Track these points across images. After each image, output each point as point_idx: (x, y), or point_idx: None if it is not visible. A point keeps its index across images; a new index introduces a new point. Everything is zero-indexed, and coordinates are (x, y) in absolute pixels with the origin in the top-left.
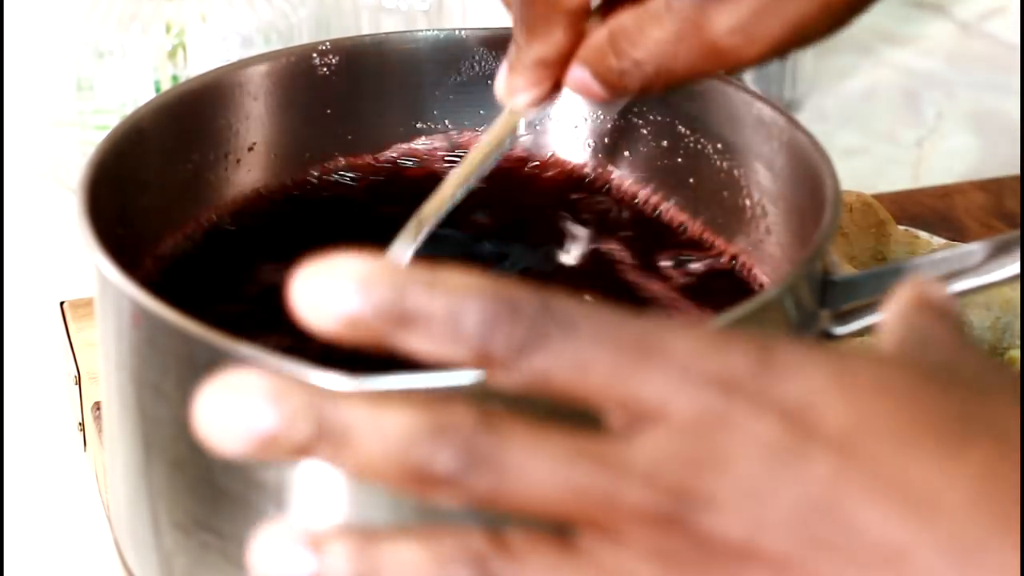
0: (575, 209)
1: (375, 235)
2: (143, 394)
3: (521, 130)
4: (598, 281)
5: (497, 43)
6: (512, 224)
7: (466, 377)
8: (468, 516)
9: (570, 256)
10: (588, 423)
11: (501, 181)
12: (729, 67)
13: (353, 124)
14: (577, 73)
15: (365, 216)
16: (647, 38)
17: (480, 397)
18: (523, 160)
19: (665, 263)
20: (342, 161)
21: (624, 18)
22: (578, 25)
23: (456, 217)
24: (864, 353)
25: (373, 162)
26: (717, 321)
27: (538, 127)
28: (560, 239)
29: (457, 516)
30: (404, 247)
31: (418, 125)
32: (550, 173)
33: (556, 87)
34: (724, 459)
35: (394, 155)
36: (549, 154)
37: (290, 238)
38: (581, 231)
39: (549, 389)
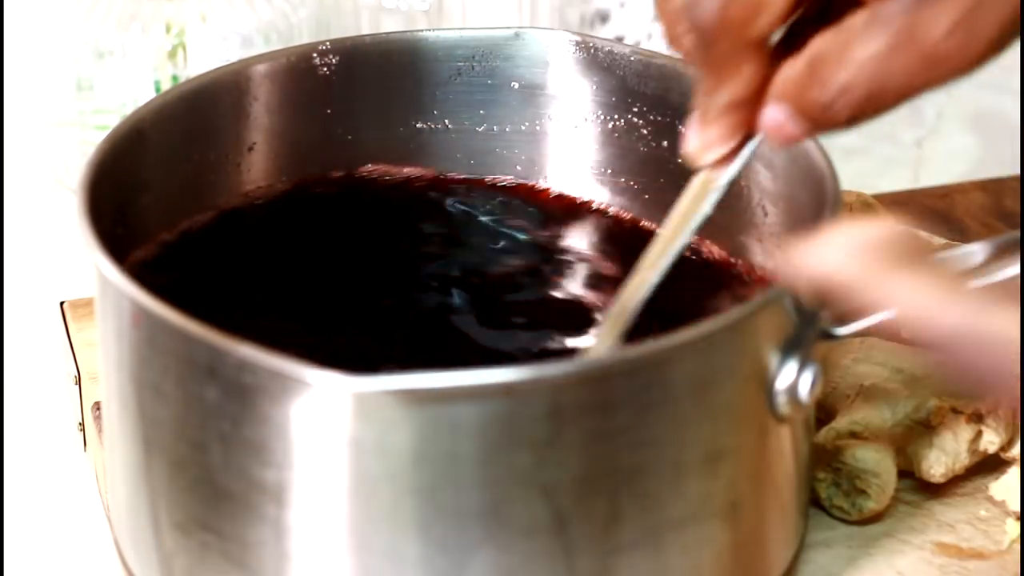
0: (574, 208)
1: (375, 234)
2: (143, 394)
3: (720, 192)
4: (597, 280)
5: (497, 43)
6: (511, 224)
7: (464, 377)
8: (468, 516)
9: (569, 254)
10: None
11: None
12: (948, 76)
13: (353, 124)
14: (772, 114)
15: (365, 216)
16: (855, 57)
17: (480, 396)
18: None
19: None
20: (342, 161)
21: (823, 41)
22: (767, 55)
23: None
24: None
25: (373, 162)
26: (717, 321)
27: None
28: (559, 235)
29: (454, 516)
30: (609, 338)
31: (418, 125)
32: (550, 172)
33: (750, 134)
34: None
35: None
36: (548, 154)
37: (290, 238)
38: (580, 230)
39: None
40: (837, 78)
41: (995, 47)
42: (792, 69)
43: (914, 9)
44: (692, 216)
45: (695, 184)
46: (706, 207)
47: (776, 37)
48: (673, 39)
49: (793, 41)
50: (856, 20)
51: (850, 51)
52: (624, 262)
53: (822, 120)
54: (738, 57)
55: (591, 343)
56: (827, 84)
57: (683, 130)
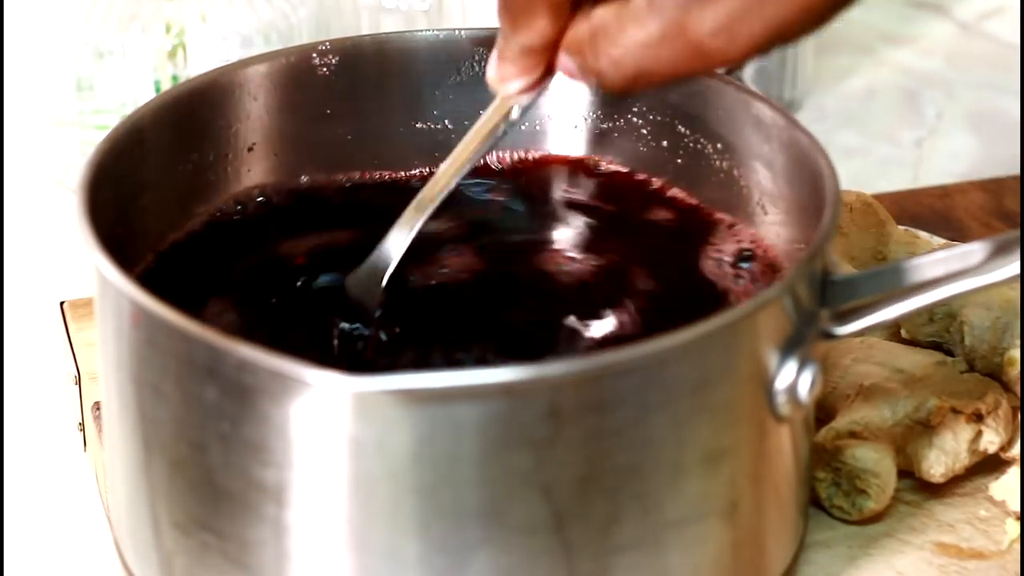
0: (574, 207)
1: (375, 234)
2: (143, 394)
3: (515, 116)
4: (596, 279)
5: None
6: (512, 223)
7: (464, 377)
8: (467, 516)
9: (569, 252)
10: None
11: (502, 179)
12: (711, 67)
13: (353, 124)
14: (564, 61)
15: (365, 216)
16: (627, 38)
17: (480, 396)
18: (523, 160)
19: (665, 263)
20: (341, 161)
21: (606, 14)
22: (561, 13)
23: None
24: None
25: (374, 162)
26: (717, 321)
27: (529, 114)
28: (559, 236)
29: (454, 516)
30: (402, 233)
31: (418, 125)
32: (549, 172)
33: (547, 73)
34: None
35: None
36: (548, 154)
37: (290, 238)
38: (580, 229)
39: None
40: (610, 52)
41: (756, 50)
42: (578, 30)
43: (685, 5)
44: (487, 136)
45: (494, 105)
46: (499, 131)
47: None
48: None
49: None
50: (637, 2)
51: (624, 32)
52: (623, 258)
53: (599, 82)
54: (534, 11)
55: (389, 237)
56: (600, 55)
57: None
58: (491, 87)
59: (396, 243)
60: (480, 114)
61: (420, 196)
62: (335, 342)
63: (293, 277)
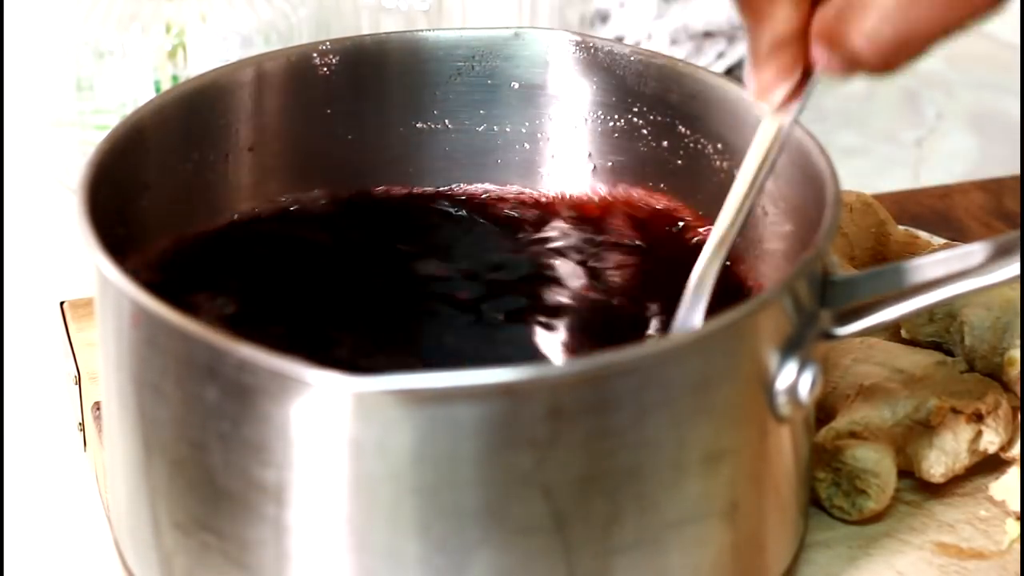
0: (574, 207)
1: (374, 233)
2: (143, 394)
3: (787, 128)
4: (597, 277)
5: (497, 43)
6: (511, 223)
7: (464, 377)
8: (468, 516)
9: (570, 252)
10: None
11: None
12: (972, 16)
13: (353, 124)
14: (817, 52)
15: (365, 215)
16: (879, 3)
17: (480, 396)
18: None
19: (665, 263)
20: (341, 162)
21: None
22: None
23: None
24: None
25: (374, 162)
26: (717, 321)
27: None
28: (559, 237)
29: (454, 516)
30: (710, 270)
31: (418, 125)
32: (550, 172)
33: (807, 74)
34: None
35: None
36: (548, 154)
37: (290, 238)
38: (580, 228)
39: None
40: (865, 24)
41: None
42: (825, 12)
43: None
44: (767, 159)
45: (764, 129)
46: (775, 152)
47: None
48: None
49: None
50: None
51: None
52: (623, 258)
53: (857, 62)
54: None
55: (693, 275)
56: (856, 29)
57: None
58: (757, 102)
59: (703, 280)
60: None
61: (713, 239)
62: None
63: (292, 277)
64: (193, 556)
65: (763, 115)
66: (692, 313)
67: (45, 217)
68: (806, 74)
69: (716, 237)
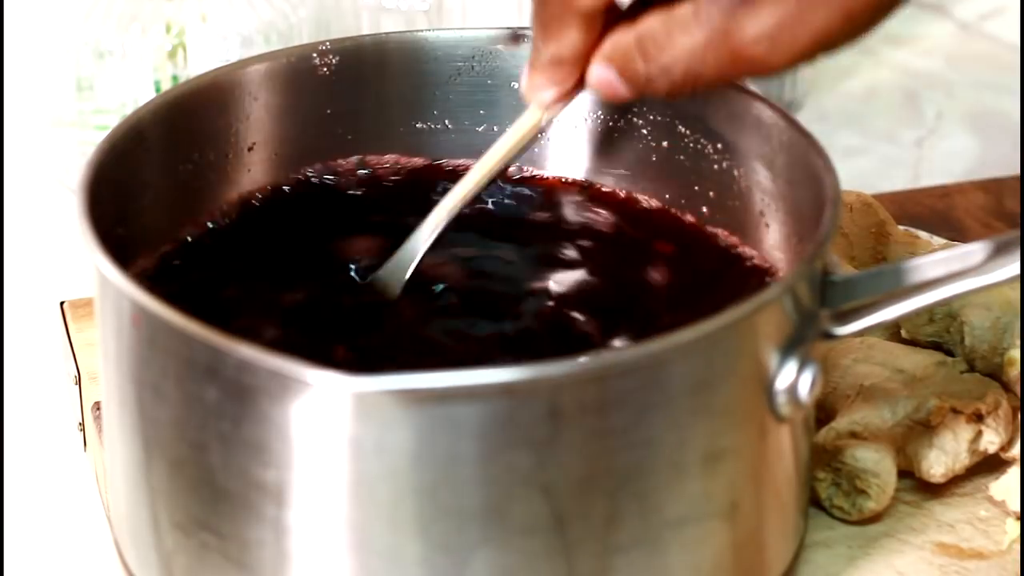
0: (575, 207)
1: (375, 234)
2: (143, 394)
3: (544, 125)
4: (597, 278)
5: (496, 43)
6: (514, 223)
7: (464, 377)
8: (468, 516)
9: (570, 252)
10: None
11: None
12: (755, 74)
13: (353, 124)
14: (602, 72)
15: (365, 215)
16: (675, 44)
17: (480, 396)
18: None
19: (666, 262)
20: (342, 161)
21: (652, 23)
22: (593, 25)
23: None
24: None
25: (374, 162)
26: (717, 321)
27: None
28: (561, 236)
29: (454, 516)
30: (425, 236)
31: (418, 125)
32: (550, 172)
33: (578, 85)
34: None
35: (394, 155)
36: (549, 154)
37: (290, 238)
38: (580, 228)
39: None
40: (659, 58)
41: (800, 58)
42: (623, 39)
43: (730, 13)
44: (515, 147)
45: (525, 115)
46: (528, 140)
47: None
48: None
49: (634, 9)
50: (683, 10)
51: (672, 38)
52: (623, 258)
53: (644, 89)
54: (564, 22)
55: (407, 243)
56: (650, 62)
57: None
58: (523, 97)
59: (420, 240)
60: (480, 114)
61: (444, 201)
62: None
63: (294, 276)
64: (193, 556)
65: (528, 103)
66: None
67: (45, 217)
68: (578, 84)
69: (443, 202)
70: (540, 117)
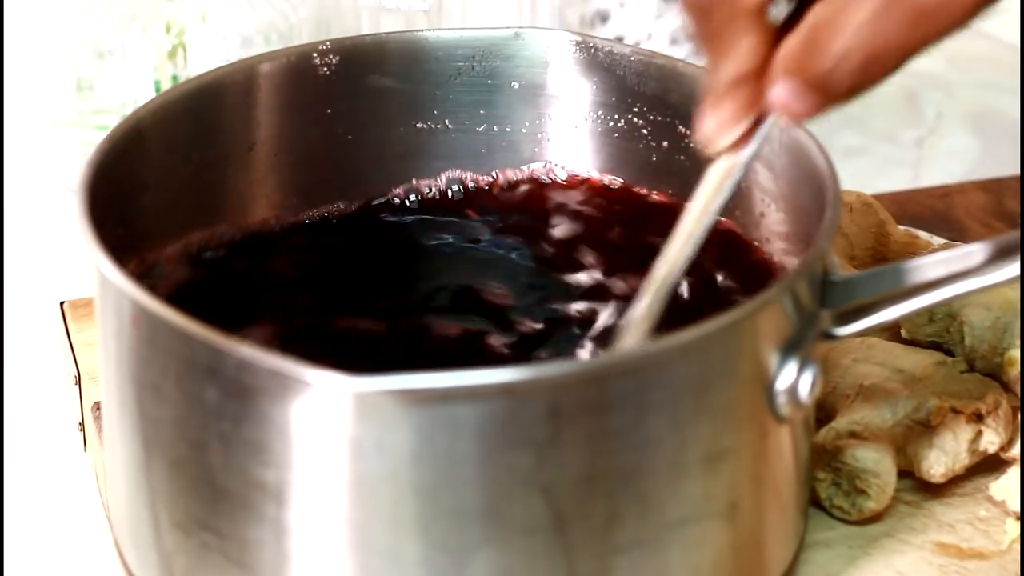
0: (576, 206)
1: (374, 232)
2: (143, 394)
3: (740, 173)
4: (598, 279)
5: (497, 43)
6: (516, 222)
7: (464, 377)
8: (468, 516)
9: (570, 250)
10: None
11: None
12: (941, 31)
13: (353, 124)
14: (779, 91)
15: (365, 214)
16: (850, 21)
17: (480, 396)
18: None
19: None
20: (341, 162)
21: (819, 10)
22: (765, 25)
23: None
24: None
25: (374, 162)
26: (717, 321)
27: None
28: (561, 236)
29: (454, 516)
30: (647, 314)
31: (418, 125)
32: (550, 172)
33: (763, 113)
34: None
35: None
36: (549, 154)
37: (290, 238)
38: (580, 228)
39: None
40: (835, 44)
41: (980, 5)
42: (792, 41)
43: None
44: (715, 200)
45: (716, 169)
46: (726, 190)
47: (781, 15)
48: (686, 24)
49: (795, 17)
50: None
51: (845, 16)
52: (622, 257)
53: (826, 89)
54: (735, 29)
55: (627, 328)
56: (826, 51)
57: (694, 122)
58: (709, 144)
59: (639, 322)
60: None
61: (654, 274)
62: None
63: (293, 276)
64: (193, 556)
65: (713, 150)
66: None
67: (45, 217)
68: (760, 117)
69: (660, 274)
70: (734, 164)
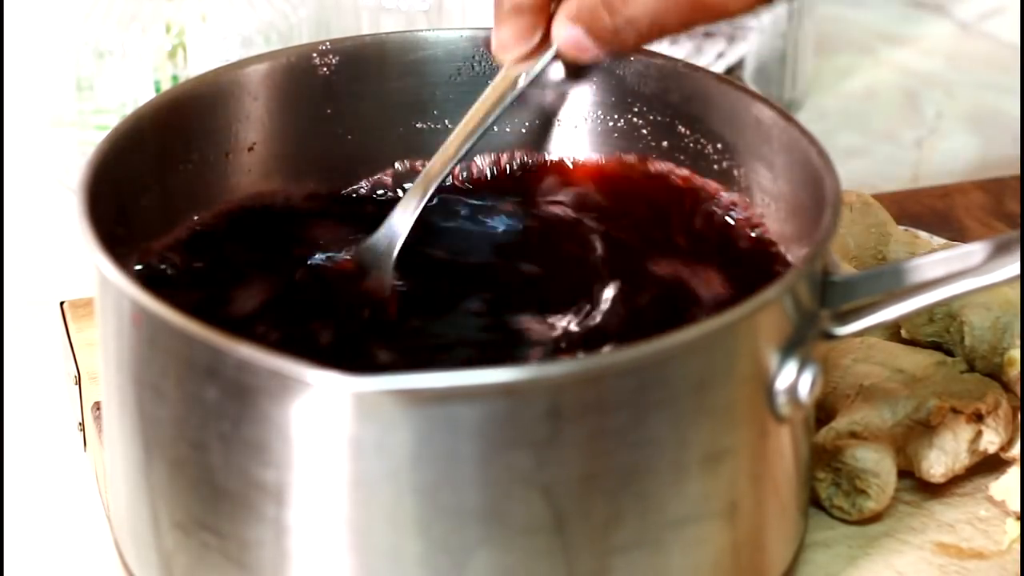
0: (576, 206)
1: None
2: (143, 394)
3: (520, 84)
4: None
5: None
6: (517, 222)
7: (464, 377)
8: (468, 516)
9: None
10: None
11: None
12: (716, 18)
13: (353, 124)
14: (571, 31)
15: (365, 214)
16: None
17: (480, 396)
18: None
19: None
20: (341, 161)
21: None
22: None
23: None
24: None
25: (374, 162)
26: (717, 321)
27: (534, 82)
28: (562, 236)
29: (454, 516)
30: (411, 205)
31: (418, 125)
32: (550, 171)
33: (544, 41)
34: None
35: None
36: (549, 153)
37: (290, 237)
38: (580, 227)
39: None
40: (625, 11)
41: (753, 3)
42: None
43: None
44: (492, 109)
45: (499, 76)
46: (505, 101)
47: None
48: None
49: None
50: None
51: None
52: (623, 256)
53: (613, 43)
54: None
55: (394, 213)
56: (615, 14)
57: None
58: (494, 58)
59: (403, 217)
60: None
61: (426, 169)
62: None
63: (295, 274)
64: (193, 556)
65: (499, 63)
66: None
67: (45, 217)
68: (543, 41)
69: (423, 173)
70: (514, 77)
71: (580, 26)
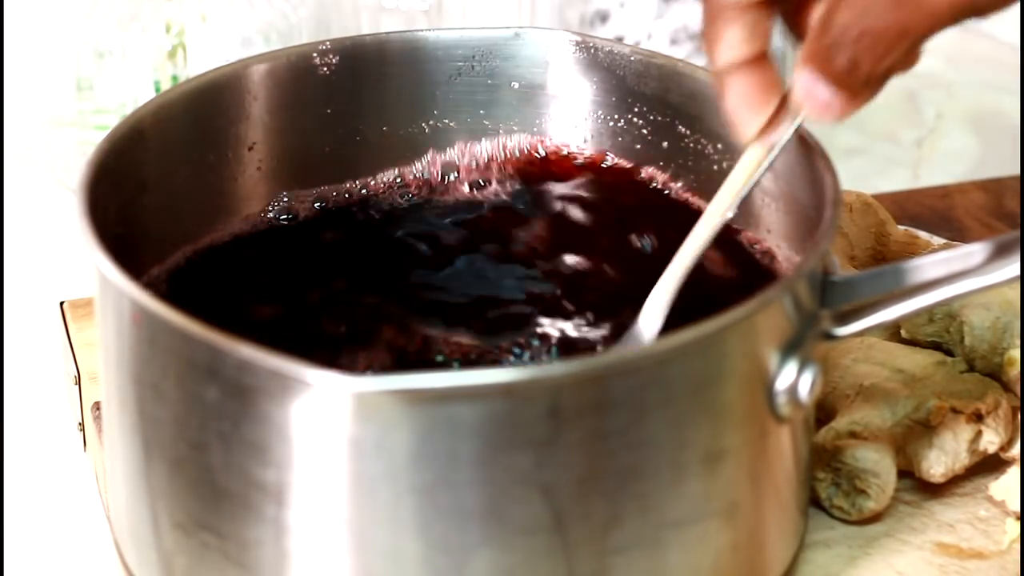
0: (577, 206)
1: (374, 231)
2: (143, 394)
3: (770, 157)
4: (599, 279)
5: (497, 43)
6: (518, 222)
7: (464, 377)
8: (468, 516)
9: (570, 249)
10: None
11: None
12: (935, 26)
13: (353, 124)
14: (801, 81)
15: (365, 214)
16: (865, 7)
17: (480, 396)
18: (526, 159)
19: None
20: (342, 161)
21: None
22: (754, 16)
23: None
24: None
25: (374, 162)
26: (717, 321)
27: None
28: (563, 236)
29: (454, 516)
30: (667, 290)
31: (418, 125)
32: (551, 171)
33: (783, 103)
34: None
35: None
36: (549, 153)
37: (290, 237)
38: (580, 227)
39: None
40: (849, 31)
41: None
42: (809, 35)
43: None
44: (743, 187)
45: (745, 159)
46: (756, 176)
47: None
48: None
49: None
50: None
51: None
52: (623, 256)
53: (848, 79)
54: (721, 22)
55: (646, 311)
56: (828, 27)
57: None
58: (739, 133)
59: (660, 298)
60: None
61: (680, 254)
62: None
63: (293, 276)
64: (193, 556)
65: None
66: (645, 331)
67: (45, 217)
68: (782, 106)
69: (676, 260)
70: (759, 151)
71: (811, 66)
